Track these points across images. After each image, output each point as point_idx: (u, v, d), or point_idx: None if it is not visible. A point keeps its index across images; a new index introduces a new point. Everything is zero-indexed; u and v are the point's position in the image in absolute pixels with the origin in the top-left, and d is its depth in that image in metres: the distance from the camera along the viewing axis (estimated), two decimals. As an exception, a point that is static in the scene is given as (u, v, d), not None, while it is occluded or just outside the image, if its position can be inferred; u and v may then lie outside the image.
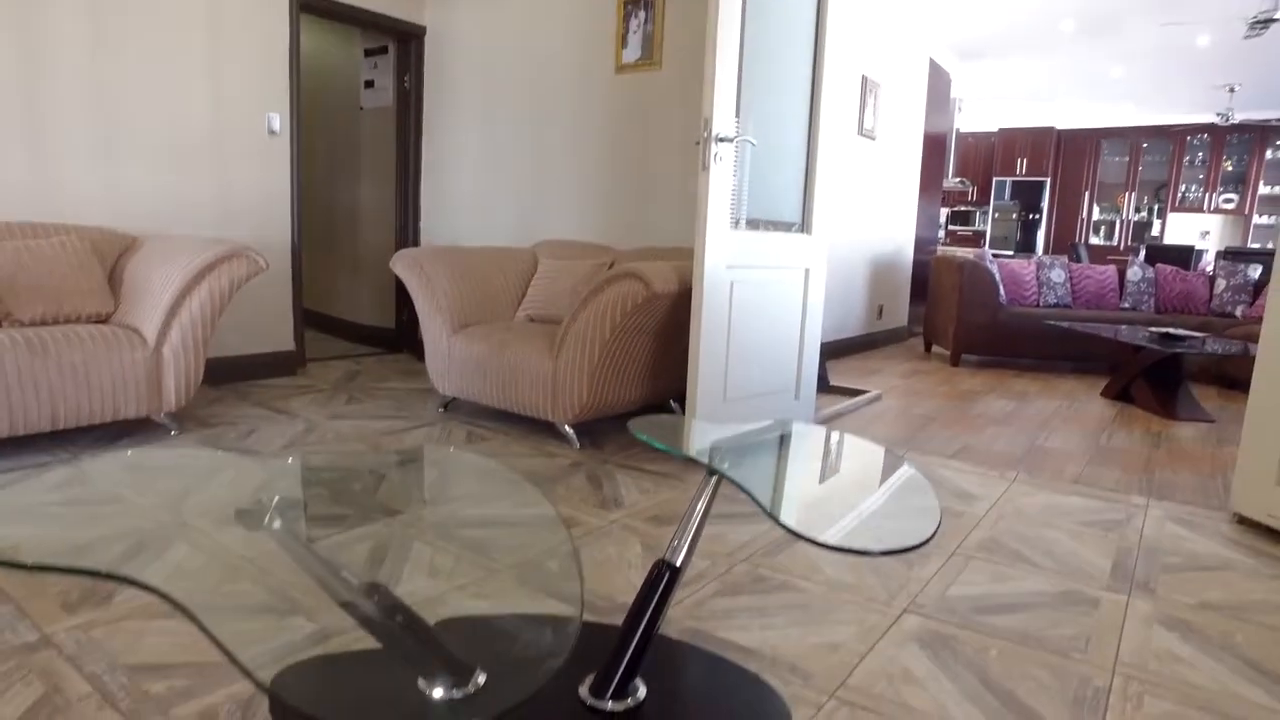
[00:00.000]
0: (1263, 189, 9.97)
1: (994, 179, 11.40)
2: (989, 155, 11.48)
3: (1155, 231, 10.67)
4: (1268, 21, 5.26)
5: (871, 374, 5.49)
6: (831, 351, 5.96)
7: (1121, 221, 10.88)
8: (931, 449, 3.56)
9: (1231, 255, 7.74)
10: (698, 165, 2.90)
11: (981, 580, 2.22)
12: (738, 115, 2.97)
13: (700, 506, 1.54)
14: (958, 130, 9.74)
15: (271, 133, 4.29)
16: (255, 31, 4.16)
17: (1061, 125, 11.01)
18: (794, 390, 3.48)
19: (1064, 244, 11.12)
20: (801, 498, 1.57)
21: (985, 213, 11.54)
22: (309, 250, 6.03)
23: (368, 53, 5.42)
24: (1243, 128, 9.49)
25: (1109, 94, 9.22)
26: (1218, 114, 8.74)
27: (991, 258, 6.40)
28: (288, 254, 4.46)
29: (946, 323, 6.13)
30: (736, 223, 3.06)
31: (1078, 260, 9.47)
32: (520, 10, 4.62)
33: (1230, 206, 10.17)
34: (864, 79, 6.00)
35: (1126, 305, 6.46)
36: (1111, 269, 6.58)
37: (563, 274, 4.03)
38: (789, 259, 3.32)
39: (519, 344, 3.45)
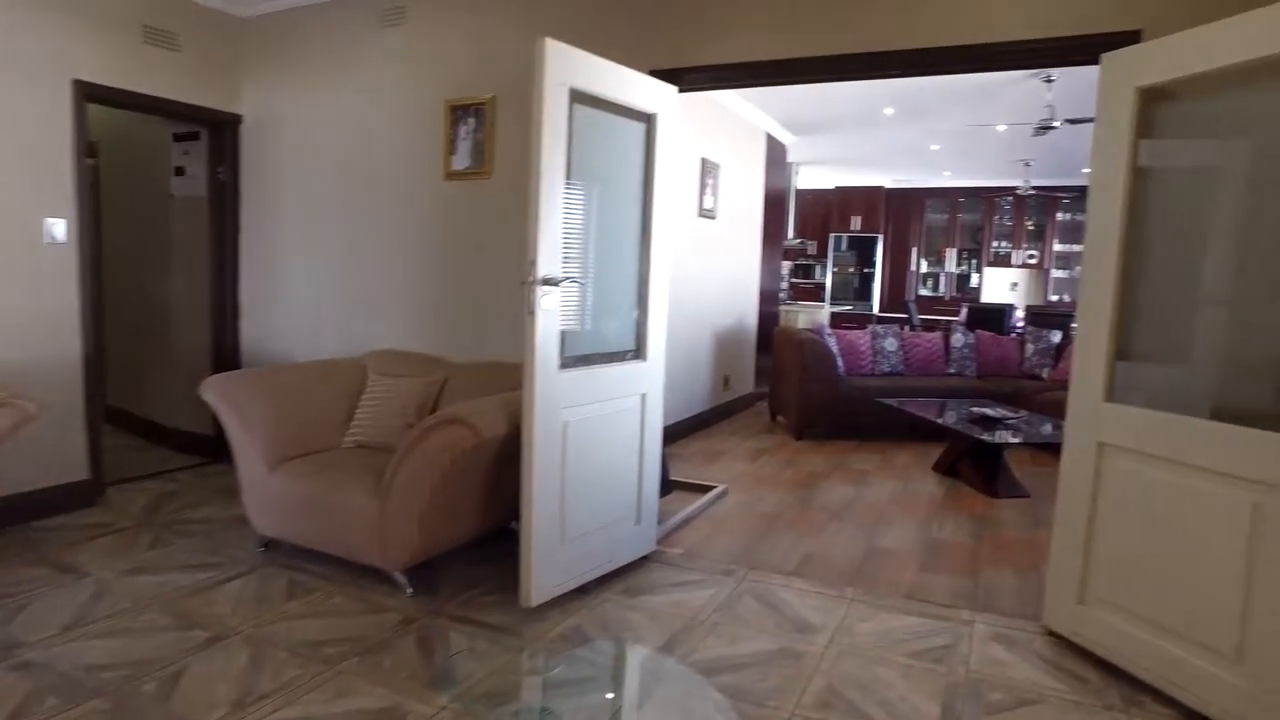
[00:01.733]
0: (1057, 246, 11.00)
1: (831, 234, 11.98)
2: (826, 211, 12.07)
3: (974, 283, 11.53)
4: (1048, 127, 5.85)
5: (718, 458, 5.54)
6: (679, 431, 5.99)
7: (946, 275, 11.69)
8: (773, 563, 3.59)
9: (1036, 315, 8.44)
10: (523, 309, 2.80)
11: (818, 752, 2.21)
12: (564, 253, 2.90)
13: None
14: (796, 189, 10.17)
15: (52, 241, 3.84)
16: (26, 131, 3.73)
17: (890, 185, 11.74)
18: (635, 516, 3.41)
19: (897, 294, 11.82)
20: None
21: (825, 266, 12.10)
22: (118, 348, 5.50)
23: (177, 137, 5.00)
24: (1039, 194, 10.43)
25: (930, 163, 9.91)
26: (1017, 187, 9.60)
27: (830, 330, 6.65)
28: (79, 373, 4.00)
29: (790, 397, 6.30)
30: (568, 362, 2.97)
31: (909, 317, 10.07)
32: (345, 104, 4.40)
33: (1034, 261, 11.15)
34: (703, 161, 6.13)
35: (952, 370, 6.88)
36: (938, 337, 7.00)
37: (393, 394, 3.81)
38: (625, 388, 3.27)
39: (344, 484, 3.21)
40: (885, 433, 6.26)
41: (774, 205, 8.13)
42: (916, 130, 7.88)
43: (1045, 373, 6.77)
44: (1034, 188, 9.73)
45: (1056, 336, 6.89)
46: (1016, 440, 4.75)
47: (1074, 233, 10.88)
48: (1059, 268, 11.06)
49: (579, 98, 2.92)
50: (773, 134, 7.84)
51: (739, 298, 7.27)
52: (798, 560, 3.64)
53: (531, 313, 2.78)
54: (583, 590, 3.20)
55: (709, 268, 6.47)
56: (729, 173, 6.70)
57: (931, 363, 6.86)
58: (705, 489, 4.64)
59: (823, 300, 11.85)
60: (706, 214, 6.27)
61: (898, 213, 11.82)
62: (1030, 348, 6.92)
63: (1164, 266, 2.66)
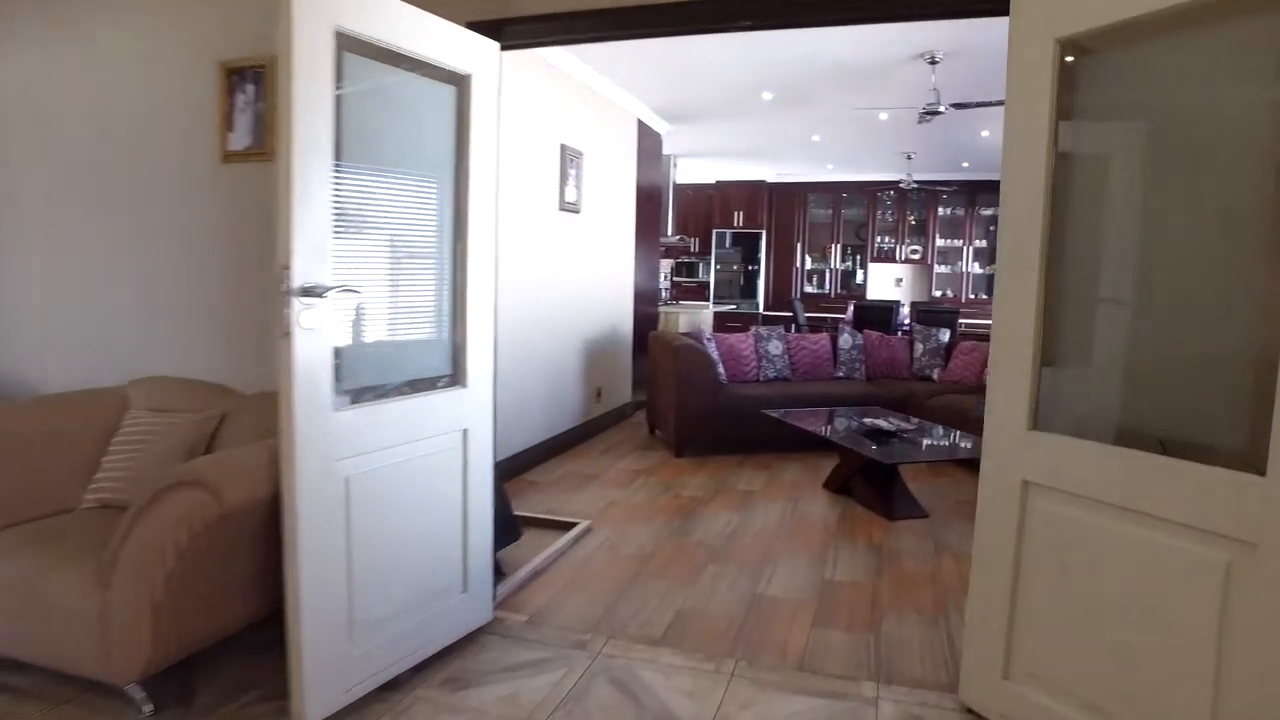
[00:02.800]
0: (939, 241, 10.90)
1: (714, 230, 11.53)
2: (708, 207, 11.61)
3: (859, 280, 11.32)
4: (934, 112, 5.46)
5: (588, 483, 4.87)
6: (545, 453, 5.29)
7: (831, 271, 11.43)
8: (638, 627, 2.94)
9: (923, 313, 8.18)
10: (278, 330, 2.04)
11: None
12: (342, 254, 2.16)
13: None
14: (675, 184, 9.62)
15: None
16: None
17: (772, 179, 11.38)
18: (460, 583, 2.70)
19: (783, 292, 11.48)
20: None
21: (708, 264, 11.65)
22: None
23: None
24: (921, 188, 10.28)
25: (811, 155, 9.57)
26: (900, 181, 9.36)
27: (709, 335, 6.10)
28: None
29: (667, 410, 5.71)
30: (348, 396, 2.23)
31: (795, 316, 9.69)
32: (93, 62, 3.48)
33: (916, 257, 11.02)
34: (563, 148, 5.45)
35: (841, 373, 6.46)
36: (825, 338, 6.56)
37: (154, 435, 2.95)
38: (438, 424, 2.54)
39: (56, 566, 2.36)
40: (772, 445, 5.75)
41: (649, 199, 7.55)
42: (797, 119, 7.45)
43: (936, 374, 6.44)
44: (916, 182, 9.52)
45: (945, 335, 6.58)
46: (914, 459, 4.30)
47: (955, 228, 10.81)
48: (941, 263, 10.98)
49: (352, 45, 2.18)
50: (645, 121, 7.24)
51: (612, 300, 6.64)
52: (668, 621, 3.01)
53: (287, 333, 2.03)
54: (393, 685, 2.47)
55: (575, 268, 5.80)
56: (595, 162, 6.05)
57: (819, 366, 6.41)
58: (566, 526, 3.96)
59: (707, 300, 11.40)
60: (570, 208, 5.59)
61: (780, 208, 11.48)
62: (920, 347, 6.58)
63: (1104, 262, 2.17)
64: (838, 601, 3.22)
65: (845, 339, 6.53)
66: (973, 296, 10.80)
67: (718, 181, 11.44)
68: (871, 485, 4.46)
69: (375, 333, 2.40)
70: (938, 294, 10.93)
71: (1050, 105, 2.09)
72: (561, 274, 5.54)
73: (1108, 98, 2.21)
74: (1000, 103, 5.17)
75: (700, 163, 10.50)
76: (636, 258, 7.21)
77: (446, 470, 2.60)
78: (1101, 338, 2.21)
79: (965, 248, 10.77)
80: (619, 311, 6.80)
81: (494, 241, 2.75)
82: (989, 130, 7.74)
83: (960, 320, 8.07)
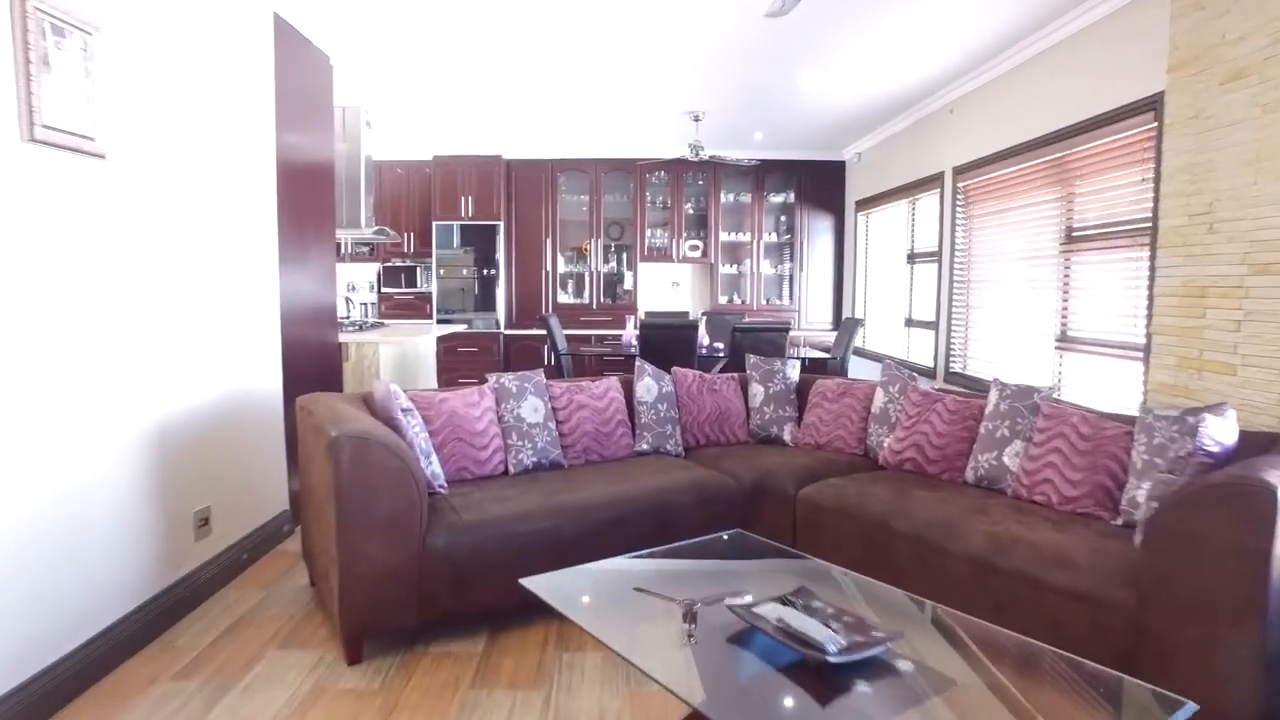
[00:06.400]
0: (723, 236, 8.85)
1: (434, 223, 8.58)
2: (425, 191, 8.65)
3: (628, 285, 8.96)
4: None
5: None
6: (46, 701, 2.15)
7: (591, 274, 8.93)
8: None
9: (743, 332, 5.92)
10: None
11: None
12: None
13: None
14: (369, 158, 6.56)
15: None
16: None
17: (511, 155, 8.67)
18: None
19: (531, 304, 8.82)
20: None
21: (430, 268, 8.68)
22: None
23: None
24: (700, 165, 8.14)
25: (559, 111, 6.99)
26: (689, 144, 7.00)
27: (407, 404, 3.23)
28: None
29: (328, 562, 2.78)
30: None
31: (552, 341, 7.04)
32: None
33: (697, 255, 8.86)
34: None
35: (645, 445, 3.90)
36: (614, 388, 3.95)
37: None
38: None
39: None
40: (532, 606, 3.01)
41: (314, 170, 4.52)
42: (539, 28, 4.83)
43: (788, 433, 4.10)
44: (705, 155, 7.21)
45: (794, 370, 4.27)
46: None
47: (739, 218, 8.80)
48: (727, 262, 8.93)
49: None
50: (292, 23, 4.20)
51: (227, 333, 3.55)
52: None
53: None
54: None
55: (102, 273, 2.68)
56: (148, 56, 2.96)
57: (609, 437, 3.81)
58: None
59: (430, 316, 8.49)
60: (64, 140, 2.47)
61: (523, 193, 8.80)
62: (758, 392, 4.21)
63: None
64: None
65: (647, 386, 3.98)
66: (764, 302, 8.86)
67: (436, 157, 8.51)
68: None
69: None
70: (724, 300, 8.88)
71: None
72: (57, 289, 2.41)
73: None
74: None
75: (408, 126, 7.56)
76: (287, 260, 4.16)
77: None
78: None
79: (754, 243, 8.80)
80: (248, 354, 3.71)
81: None
82: (816, 74, 5.64)
83: (800, 342, 5.89)
